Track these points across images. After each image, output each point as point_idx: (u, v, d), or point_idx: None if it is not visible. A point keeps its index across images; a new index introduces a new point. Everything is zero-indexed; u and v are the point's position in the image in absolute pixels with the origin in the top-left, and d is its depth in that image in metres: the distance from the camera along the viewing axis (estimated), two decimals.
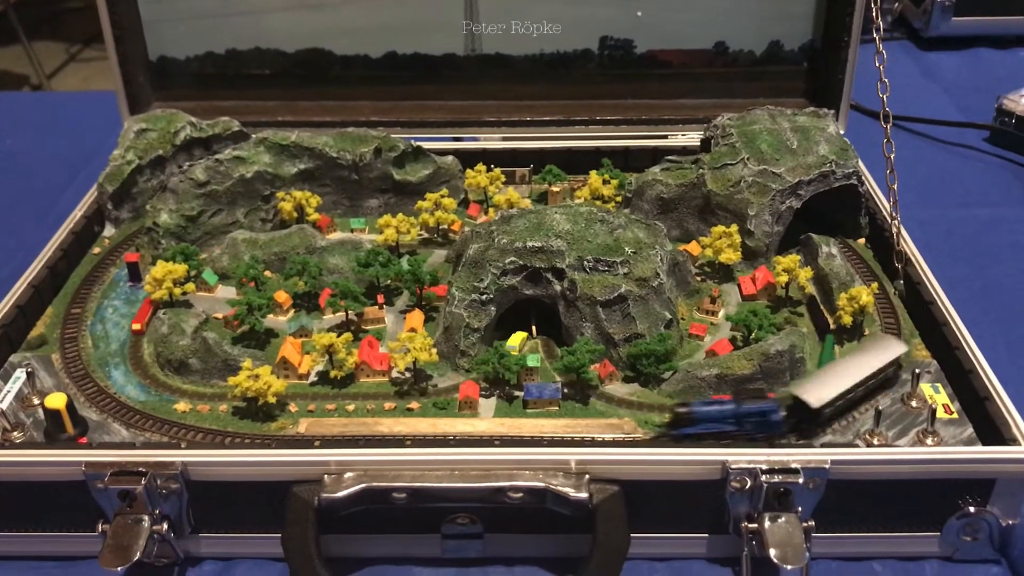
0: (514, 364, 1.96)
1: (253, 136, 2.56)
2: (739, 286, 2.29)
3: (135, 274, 2.34)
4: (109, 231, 2.53)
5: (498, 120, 2.79)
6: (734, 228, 2.29)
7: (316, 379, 2.04)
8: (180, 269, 2.19)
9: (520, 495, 1.72)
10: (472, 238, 2.17)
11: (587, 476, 1.72)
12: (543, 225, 2.12)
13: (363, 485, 1.72)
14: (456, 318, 2.06)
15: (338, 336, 1.99)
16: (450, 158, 2.61)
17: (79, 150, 3.38)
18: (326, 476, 1.73)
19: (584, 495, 1.70)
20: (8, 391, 2.00)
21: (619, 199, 2.53)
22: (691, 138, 2.77)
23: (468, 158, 2.67)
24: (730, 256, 2.27)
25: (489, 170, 2.61)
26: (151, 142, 2.56)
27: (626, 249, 2.08)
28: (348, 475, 1.73)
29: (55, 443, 1.84)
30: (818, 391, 1.83)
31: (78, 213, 2.49)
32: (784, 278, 2.18)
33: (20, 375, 2.03)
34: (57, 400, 1.84)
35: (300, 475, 1.74)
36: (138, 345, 2.14)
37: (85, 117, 3.64)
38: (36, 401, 1.96)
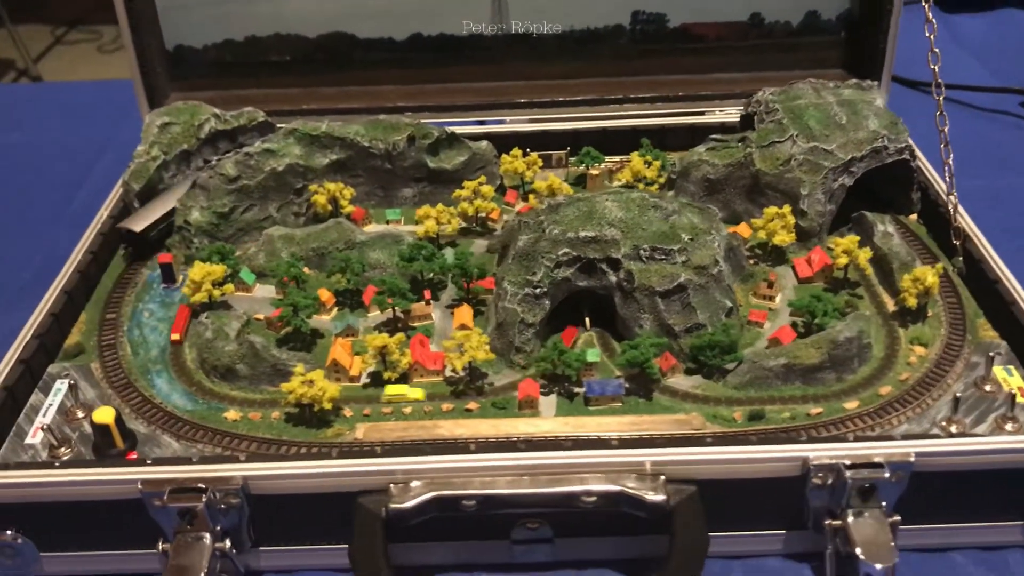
0: (575, 360, 1.89)
1: (282, 127, 2.47)
2: (794, 269, 2.23)
3: (168, 275, 2.26)
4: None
5: (529, 101, 2.71)
6: (787, 209, 2.22)
7: (368, 380, 1.97)
8: (218, 270, 2.11)
9: (594, 499, 1.67)
10: (520, 229, 2.09)
11: (663, 477, 1.67)
12: (594, 213, 2.04)
13: (432, 494, 1.66)
14: (509, 313, 1.99)
15: (390, 335, 1.92)
16: (484, 143, 2.53)
17: (88, 144, 3.28)
18: (392, 485, 1.67)
19: (661, 497, 1.65)
20: (50, 404, 1.92)
21: (662, 180, 2.45)
22: (729, 114, 2.69)
23: (501, 142, 2.59)
24: (784, 238, 2.20)
25: (525, 155, 2.53)
26: (175, 136, 2.47)
27: (683, 236, 2.01)
28: (415, 484, 1.67)
29: (106, 459, 1.78)
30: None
31: (104, 213, 2.41)
32: (844, 260, 2.11)
33: (61, 387, 1.96)
34: (105, 414, 1.77)
35: (365, 485, 1.68)
36: (179, 350, 2.07)
37: (91, 108, 3.54)
38: (81, 414, 1.89)
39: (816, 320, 1.97)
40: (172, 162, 2.46)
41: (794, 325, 2.04)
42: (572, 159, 2.59)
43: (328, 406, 1.84)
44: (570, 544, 1.77)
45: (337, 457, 1.70)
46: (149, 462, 1.71)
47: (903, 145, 2.29)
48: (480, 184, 2.40)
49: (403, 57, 2.75)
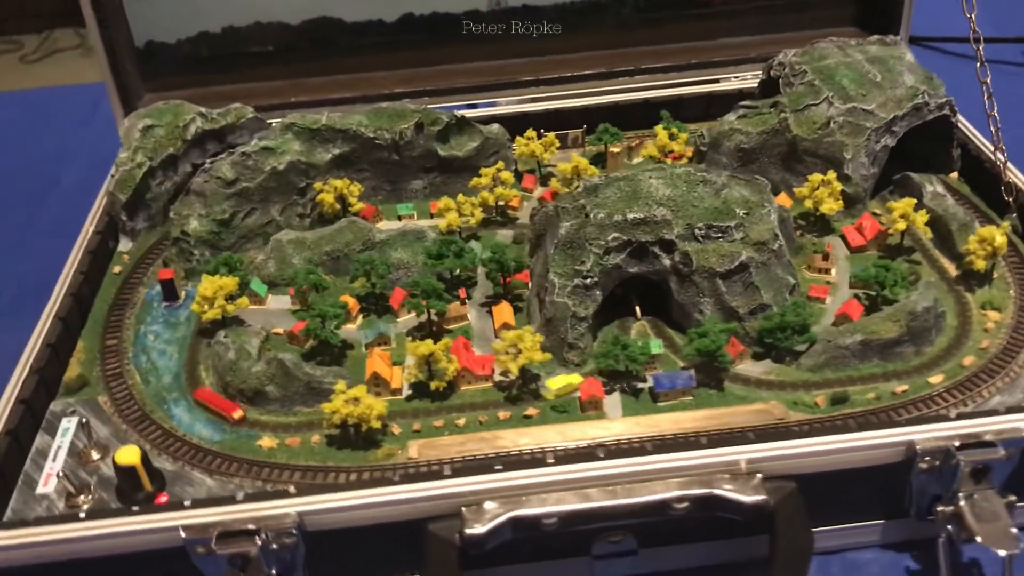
0: (639, 354, 1.74)
1: (275, 123, 2.27)
2: (843, 238, 2.10)
3: (170, 292, 2.06)
4: (125, 245, 2.23)
5: (535, 79, 2.55)
6: (832, 175, 2.09)
7: (411, 392, 1.80)
8: (230, 283, 1.92)
9: (686, 505, 1.52)
10: (559, 215, 1.93)
11: (759, 475, 1.53)
12: (639, 193, 1.89)
13: (508, 515, 1.50)
14: (559, 308, 1.83)
15: (432, 341, 1.75)
16: (496, 127, 2.35)
17: (50, 151, 3.06)
18: (464, 509, 1.51)
19: (761, 497, 1.51)
20: (59, 447, 1.72)
21: (689, 154, 2.31)
22: (745, 80, 2.56)
23: (509, 125, 2.41)
24: (831, 206, 2.08)
25: (539, 136, 2.36)
26: (159, 140, 2.26)
27: (737, 211, 1.87)
28: (489, 505, 1.51)
29: (134, 504, 1.58)
30: None
31: (89, 229, 2.19)
32: (902, 225, 1.99)
33: (69, 426, 1.76)
34: (130, 454, 1.57)
35: (435, 511, 1.51)
36: (194, 373, 1.88)
37: (49, 114, 3.31)
38: (96, 456, 1.69)
39: (885, 291, 1.85)
40: (159, 168, 2.25)
41: (856, 298, 1.91)
42: (589, 137, 2.43)
43: (377, 425, 1.67)
44: (656, 554, 1.63)
45: (401, 482, 1.53)
46: (188, 504, 1.52)
47: (943, 100, 2.18)
48: (498, 170, 2.23)
49: (394, 40, 2.57)
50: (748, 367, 1.80)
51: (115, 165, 2.22)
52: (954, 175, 2.30)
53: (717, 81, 2.57)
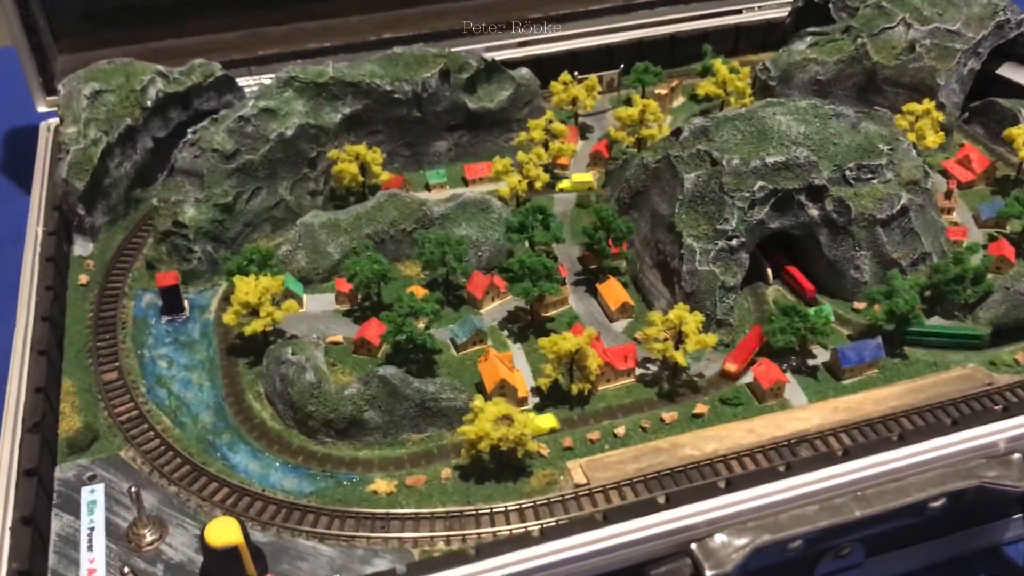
0: (823, 324, 1.44)
1: (275, 77, 1.80)
2: (944, 173, 1.87)
3: (174, 303, 1.58)
4: (84, 247, 1.71)
5: (543, 16, 2.17)
6: (930, 104, 1.86)
7: (537, 399, 1.43)
8: (274, 283, 1.47)
9: (944, 502, 1.25)
10: (672, 166, 1.59)
11: (1019, 455, 1.27)
12: (768, 132, 1.58)
13: (753, 545, 1.17)
14: (705, 278, 1.50)
15: (568, 336, 1.39)
16: (525, 71, 1.98)
17: None
18: (695, 545, 1.17)
19: None
20: (91, 529, 1.24)
21: (751, 93, 2.01)
22: (769, 9, 2.29)
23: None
24: (934, 139, 1.84)
25: (577, 80, 2.00)
26: (112, 108, 1.75)
27: (882, 147, 1.59)
28: (722, 538, 1.18)
29: None
30: None
31: (39, 231, 1.65)
32: None
33: (95, 498, 1.28)
34: (229, 531, 1.13)
35: (657, 551, 1.17)
36: (243, 404, 1.42)
37: None
38: (151, 536, 1.23)
39: None
40: (116, 145, 1.74)
41: (992, 239, 1.69)
42: (626, 77, 2.08)
43: (534, 447, 1.29)
44: (878, 562, 1.35)
45: (607, 523, 1.16)
46: None
47: (1022, 17, 1.98)
48: (549, 123, 1.86)
49: None
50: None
51: (62, 143, 1.69)
52: None
53: (740, 12, 2.28)
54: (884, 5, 1.97)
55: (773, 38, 2.23)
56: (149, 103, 1.79)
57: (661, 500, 1.20)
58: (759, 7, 2.29)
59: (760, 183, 1.52)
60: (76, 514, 1.26)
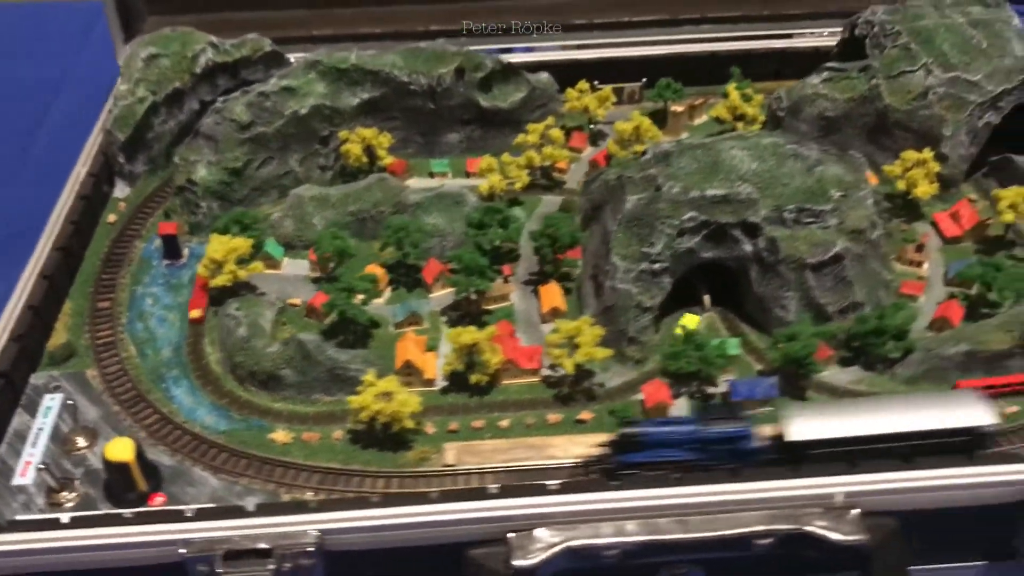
0: (716, 356, 1.51)
1: (299, 58, 2.00)
2: (935, 226, 1.85)
3: (173, 250, 1.81)
4: (122, 191, 1.98)
5: (588, 23, 2.26)
6: (928, 153, 1.84)
7: (446, 383, 1.57)
8: (243, 244, 1.67)
9: (768, 541, 1.31)
10: (623, 186, 1.68)
11: (856, 511, 1.31)
12: (721, 164, 1.64)
13: (566, 544, 1.28)
14: (622, 296, 1.59)
15: (476, 327, 1.52)
16: (544, 76, 2.09)
17: (39, 76, 2.76)
18: (512, 535, 1.29)
19: (858, 537, 1.30)
20: (40, 429, 1.49)
21: (762, 119, 2.05)
22: (821, 37, 2.28)
23: (557, 74, 2.13)
24: (926, 189, 1.83)
25: (593, 89, 2.10)
26: (164, 71, 1.99)
27: (832, 192, 1.62)
28: (540, 533, 1.29)
29: (125, 506, 1.35)
30: (805, 425, 1.36)
31: (82, 171, 1.92)
32: (1010, 216, 1.74)
33: (53, 405, 1.53)
34: (123, 449, 1.35)
35: (477, 535, 1.30)
36: (198, 346, 1.64)
37: (37, 35, 2.99)
38: (83, 443, 1.47)
39: (997, 294, 1.61)
40: (162, 104, 1.99)
41: (951, 297, 1.68)
42: (648, 91, 2.16)
43: (410, 424, 1.44)
44: None
45: (439, 501, 1.30)
46: (190, 514, 1.29)
47: None
48: (548, 127, 1.97)
49: None
50: (834, 374, 1.58)
51: (113, 98, 1.96)
52: None
53: (791, 36, 2.29)
54: (912, 48, 1.95)
55: (817, 66, 2.23)
56: (198, 70, 2.02)
57: (494, 490, 1.33)
58: (810, 33, 2.30)
59: (692, 213, 1.59)
60: (34, 415, 1.51)
